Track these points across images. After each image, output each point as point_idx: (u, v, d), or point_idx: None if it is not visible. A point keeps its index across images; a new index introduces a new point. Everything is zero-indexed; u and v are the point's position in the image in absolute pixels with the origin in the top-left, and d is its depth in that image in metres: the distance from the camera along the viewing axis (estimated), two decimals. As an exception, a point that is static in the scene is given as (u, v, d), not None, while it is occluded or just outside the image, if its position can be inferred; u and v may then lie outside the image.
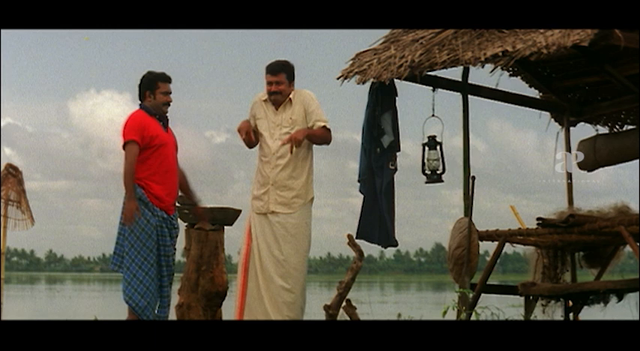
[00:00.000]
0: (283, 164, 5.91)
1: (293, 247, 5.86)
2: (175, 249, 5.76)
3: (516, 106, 8.07)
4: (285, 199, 5.90)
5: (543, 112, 8.42)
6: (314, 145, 6.06)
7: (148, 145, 5.57)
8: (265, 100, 6.08)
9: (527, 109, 8.21)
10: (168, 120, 5.79)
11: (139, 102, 5.75)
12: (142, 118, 5.64)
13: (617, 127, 8.50)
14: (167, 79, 5.74)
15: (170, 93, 5.73)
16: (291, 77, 6.06)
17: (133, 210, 5.47)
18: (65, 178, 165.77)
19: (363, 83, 6.70)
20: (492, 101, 7.75)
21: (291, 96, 6.02)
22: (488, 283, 7.14)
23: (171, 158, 5.70)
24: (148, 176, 5.56)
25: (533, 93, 8.36)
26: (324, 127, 5.93)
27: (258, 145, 6.11)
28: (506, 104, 7.93)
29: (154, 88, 5.68)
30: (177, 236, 5.75)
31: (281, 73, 6.01)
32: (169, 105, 5.75)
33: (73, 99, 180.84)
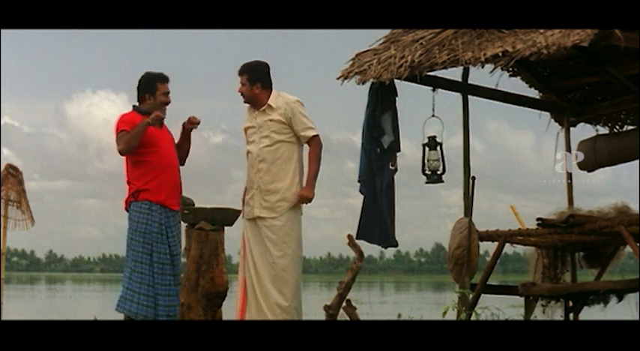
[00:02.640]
0: (265, 168, 5.83)
1: (280, 250, 5.80)
2: (181, 248, 5.76)
3: (515, 107, 8.06)
4: (269, 203, 5.82)
5: (543, 113, 8.42)
6: (298, 146, 5.94)
7: (140, 142, 5.55)
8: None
9: (527, 109, 8.21)
10: (162, 122, 5.77)
11: (137, 104, 5.72)
12: (133, 116, 5.63)
13: (617, 127, 8.49)
14: (165, 79, 5.71)
15: (169, 93, 5.71)
16: (254, 79, 5.90)
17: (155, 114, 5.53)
18: (63, 178, 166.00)
19: (363, 83, 6.70)
20: (490, 101, 7.74)
21: (270, 100, 5.91)
22: (488, 283, 7.14)
23: (168, 155, 5.68)
24: (144, 173, 5.57)
25: (533, 93, 8.36)
26: (314, 137, 5.86)
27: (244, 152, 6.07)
28: (504, 104, 7.92)
29: (153, 90, 5.65)
30: (179, 234, 5.74)
31: (243, 75, 5.93)
32: (168, 105, 5.73)
33: (69, 99, 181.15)
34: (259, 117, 5.91)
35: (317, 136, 5.88)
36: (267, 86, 5.95)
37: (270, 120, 5.85)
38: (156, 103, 5.65)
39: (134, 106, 5.71)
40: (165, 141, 5.71)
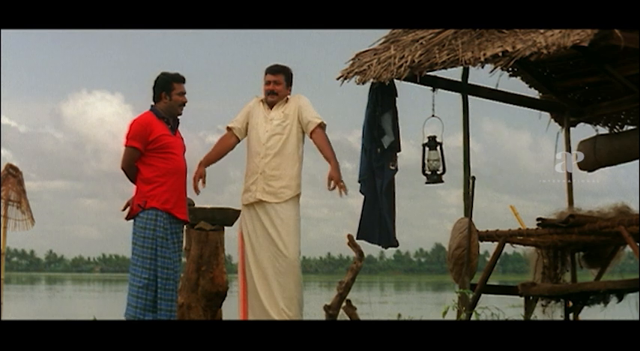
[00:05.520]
0: (273, 154, 5.98)
1: (281, 240, 5.87)
2: (180, 258, 5.73)
3: (513, 106, 8.06)
4: (273, 188, 5.94)
5: (543, 113, 8.43)
6: (304, 139, 6.11)
7: (153, 147, 5.55)
8: (262, 101, 6.19)
9: (525, 109, 8.21)
10: (178, 122, 5.77)
11: (152, 103, 5.73)
12: (148, 121, 5.61)
13: (617, 127, 8.50)
14: (182, 80, 5.75)
15: (185, 93, 5.73)
16: (289, 81, 6.19)
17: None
18: (61, 178, 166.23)
19: (363, 83, 6.70)
20: (487, 101, 7.74)
21: (288, 96, 6.16)
22: (488, 283, 7.14)
23: (178, 161, 5.68)
24: (153, 178, 5.55)
25: (533, 93, 8.36)
26: (320, 125, 5.98)
27: (247, 141, 6.18)
28: (501, 104, 7.92)
29: (169, 90, 5.67)
30: (180, 246, 5.72)
31: (280, 74, 6.15)
32: (184, 105, 5.74)
33: (65, 100, 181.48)
34: (274, 111, 6.11)
35: (323, 122, 6.03)
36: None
37: (283, 112, 6.06)
38: (171, 102, 5.68)
39: (151, 106, 5.72)
40: (178, 147, 5.72)
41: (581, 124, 8.47)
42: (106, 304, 21.68)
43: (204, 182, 6.05)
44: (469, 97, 7.45)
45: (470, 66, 6.33)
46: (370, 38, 7.08)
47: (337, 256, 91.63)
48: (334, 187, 5.83)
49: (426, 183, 7.10)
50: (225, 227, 6.44)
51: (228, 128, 6.22)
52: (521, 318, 6.67)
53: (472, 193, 6.99)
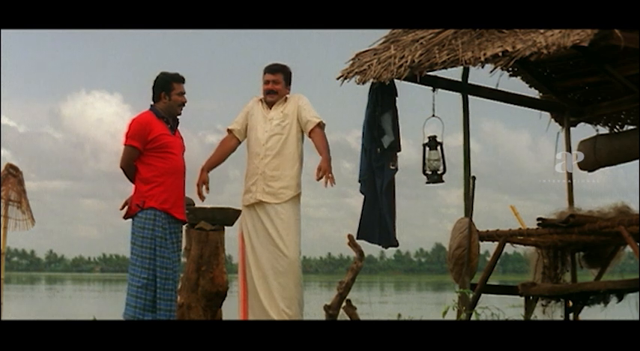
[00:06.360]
0: (272, 155, 5.99)
1: (282, 240, 5.88)
2: (179, 258, 5.72)
3: (513, 106, 8.06)
4: (272, 189, 5.94)
5: (543, 113, 8.43)
6: (304, 140, 6.12)
7: (152, 147, 5.55)
8: (261, 100, 6.20)
9: (524, 108, 8.21)
10: (178, 122, 5.77)
11: (152, 103, 5.72)
12: (147, 121, 5.60)
13: (618, 127, 8.50)
14: (181, 80, 5.75)
15: (184, 93, 5.73)
16: (287, 80, 6.21)
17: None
18: (60, 178, 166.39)
19: (363, 83, 6.70)
20: (486, 101, 7.74)
21: (287, 96, 6.16)
22: (488, 283, 7.14)
23: (177, 160, 5.67)
24: (151, 177, 5.55)
25: (534, 93, 8.36)
26: (319, 124, 5.98)
27: (246, 142, 6.19)
28: (499, 104, 7.92)
29: (169, 90, 5.67)
30: (179, 246, 5.72)
31: (279, 73, 6.16)
32: (184, 105, 5.74)
33: (64, 100, 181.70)
34: (274, 110, 6.11)
35: (322, 121, 6.02)
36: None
37: (282, 112, 6.06)
38: (171, 102, 5.68)
39: (151, 106, 5.72)
40: (177, 147, 5.71)
41: (581, 124, 8.47)
42: (106, 304, 21.68)
43: (207, 188, 6.06)
44: (469, 97, 7.45)
45: (470, 66, 6.33)
46: (370, 38, 7.09)
47: (337, 256, 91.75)
48: (322, 177, 5.78)
49: (427, 183, 7.10)
50: (226, 227, 6.44)
51: (229, 130, 6.22)
52: (522, 318, 6.67)
53: (472, 193, 6.99)
